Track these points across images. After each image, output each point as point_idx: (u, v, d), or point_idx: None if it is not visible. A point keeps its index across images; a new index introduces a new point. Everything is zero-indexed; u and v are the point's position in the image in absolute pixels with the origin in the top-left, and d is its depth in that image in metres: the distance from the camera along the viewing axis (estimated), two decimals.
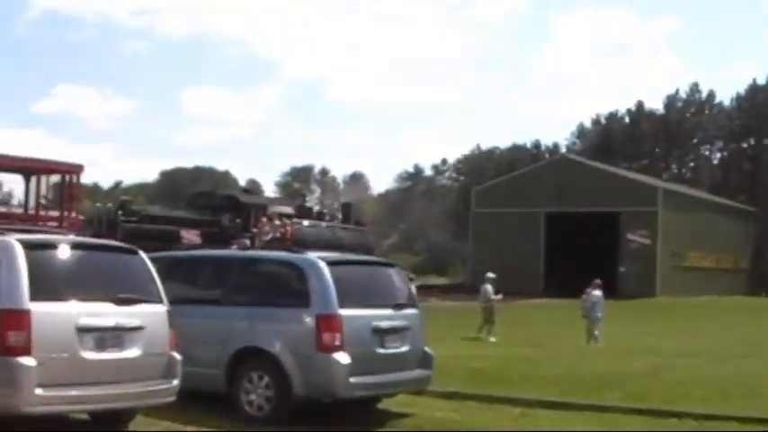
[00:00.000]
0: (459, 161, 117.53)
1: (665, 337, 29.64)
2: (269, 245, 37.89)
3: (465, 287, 58.41)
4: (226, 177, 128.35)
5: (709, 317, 42.39)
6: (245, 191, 43.83)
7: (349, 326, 11.98)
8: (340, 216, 52.07)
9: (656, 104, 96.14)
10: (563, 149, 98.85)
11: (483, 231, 64.50)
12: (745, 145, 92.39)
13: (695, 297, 56.34)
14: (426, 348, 13.46)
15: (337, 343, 11.83)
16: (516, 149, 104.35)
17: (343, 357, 11.81)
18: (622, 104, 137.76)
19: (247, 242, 38.08)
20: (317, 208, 54.78)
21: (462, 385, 16.20)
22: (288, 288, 12.57)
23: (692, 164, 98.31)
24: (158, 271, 11.59)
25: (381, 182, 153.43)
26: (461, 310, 40.81)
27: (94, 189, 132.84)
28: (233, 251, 16.27)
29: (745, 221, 75.23)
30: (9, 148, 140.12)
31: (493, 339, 26.65)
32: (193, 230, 39.32)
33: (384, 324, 12.48)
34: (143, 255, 11.22)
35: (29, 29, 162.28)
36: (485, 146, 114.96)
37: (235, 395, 12.31)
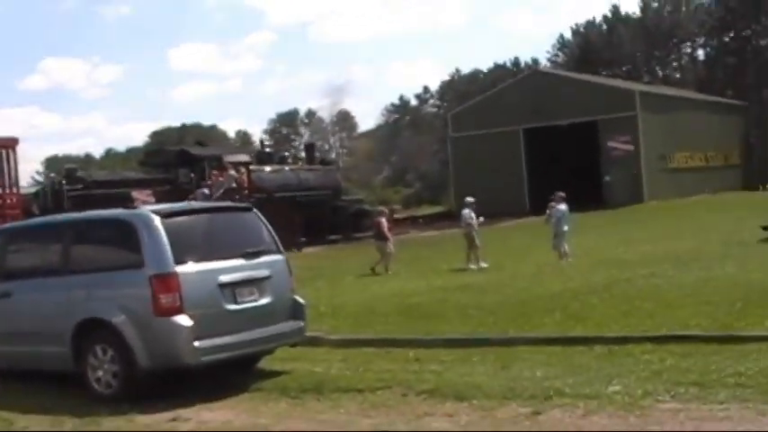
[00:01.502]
0: (441, 87, 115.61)
1: (641, 243, 28.55)
2: (225, 195, 36.88)
3: (450, 215, 57.07)
4: (213, 132, 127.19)
5: (696, 218, 40.89)
6: (198, 143, 42.47)
7: (189, 284, 10.63)
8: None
9: (632, 8, 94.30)
10: (545, 64, 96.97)
11: (462, 155, 62.84)
12: (726, 39, 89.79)
13: (686, 198, 54.89)
14: (297, 297, 12.13)
15: (176, 304, 10.49)
16: (498, 69, 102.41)
17: (183, 320, 10.48)
18: (599, 12, 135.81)
19: (206, 191, 37.10)
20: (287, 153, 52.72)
21: (388, 325, 15.37)
22: (121, 249, 11.16)
23: (674, 64, 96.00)
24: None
25: (369, 118, 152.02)
26: (438, 239, 39.79)
27: (87, 160, 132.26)
28: (66, 215, 14.79)
29: (734, 116, 73.27)
30: (4, 127, 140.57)
31: (484, 265, 25.14)
32: (145, 190, 38.09)
33: (233, 277, 11.12)
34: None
35: (5, 4, 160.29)
36: (467, 69, 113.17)
37: (82, 372, 11.05)
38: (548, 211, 27.09)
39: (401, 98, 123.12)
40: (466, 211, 27.07)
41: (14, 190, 33.76)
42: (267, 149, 47.10)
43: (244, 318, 11.11)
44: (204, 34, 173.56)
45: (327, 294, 21.64)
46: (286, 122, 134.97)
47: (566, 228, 26.28)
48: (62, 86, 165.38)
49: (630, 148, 57.68)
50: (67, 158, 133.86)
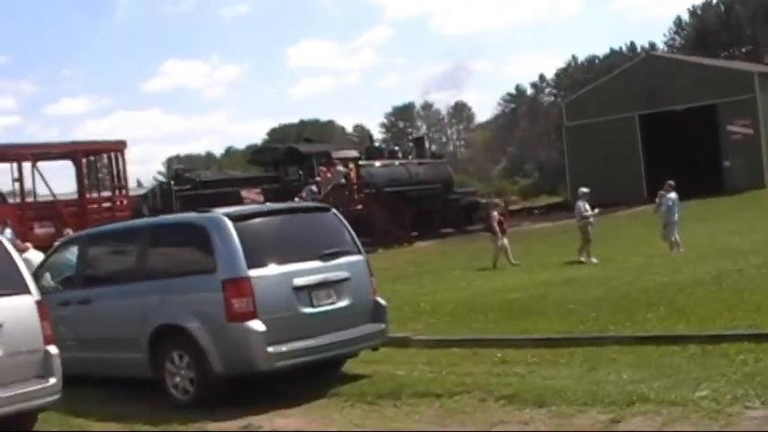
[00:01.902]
0: (557, 75, 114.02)
1: (757, 232, 27.24)
2: (333, 191, 36.88)
3: (566, 205, 56.11)
4: (330, 127, 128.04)
5: None
6: (307, 140, 42.48)
7: (262, 288, 10.37)
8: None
9: None
10: (662, 48, 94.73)
11: (577, 145, 61.70)
12: None
13: None
14: (378, 299, 11.75)
15: (249, 309, 10.25)
16: (613, 55, 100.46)
17: (257, 325, 10.22)
18: None
19: (314, 188, 37.10)
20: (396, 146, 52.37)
21: (487, 323, 15.05)
22: (195, 253, 10.97)
23: None
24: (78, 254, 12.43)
25: (487, 109, 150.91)
26: (551, 231, 39.08)
27: (208, 158, 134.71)
28: (141, 220, 14.69)
29: None
30: (129, 128, 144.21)
31: (594, 261, 24.32)
32: (254, 189, 38.26)
33: (309, 279, 10.81)
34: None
35: (127, 10, 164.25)
36: (583, 57, 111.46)
37: (161, 379, 10.92)
38: (657, 200, 26.20)
39: (517, 88, 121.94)
40: (580, 203, 26.28)
41: (124, 192, 34.27)
42: (376, 144, 46.85)
43: (320, 321, 10.82)
44: (322, 31, 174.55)
45: (430, 290, 21.48)
46: (402, 116, 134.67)
47: (676, 217, 25.35)
48: (183, 88, 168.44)
49: (750, 131, 55.75)
50: (188, 158, 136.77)
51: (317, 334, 10.75)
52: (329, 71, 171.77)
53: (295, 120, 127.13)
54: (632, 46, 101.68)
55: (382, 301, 11.72)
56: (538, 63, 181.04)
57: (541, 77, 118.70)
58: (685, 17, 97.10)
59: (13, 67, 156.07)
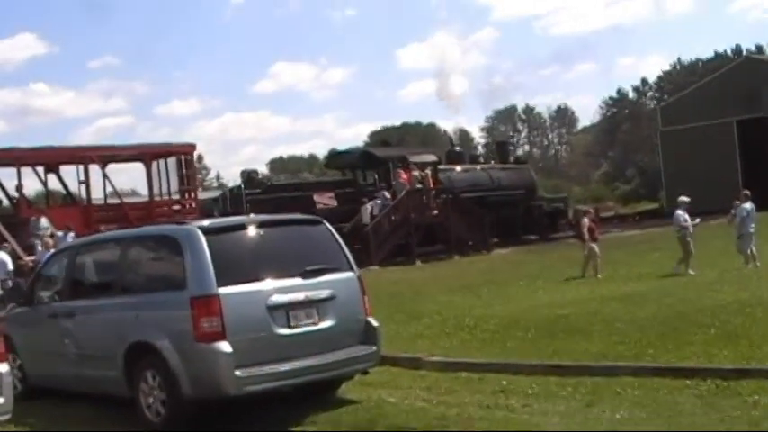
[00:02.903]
0: (660, 79, 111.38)
1: None
2: (408, 197, 36.10)
3: (661, 213, 54.53)
4: (431, 130, 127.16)
5: None
6: (384, 143, 41.70)
7: (233, 306, 9.64)
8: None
9: None
10: None
11: (673, 150, 59.87)
12: None
13: None
14: (370, 319, 10.90)
15: (217, 329, 9.51)
16: (717, 59, 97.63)
17: (224, 347, 9.48)
18: None
19: (387, 193, 36.39)
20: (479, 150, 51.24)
21: (523, 342, 14.30)
22: (168, 267, 10.31)
23: None
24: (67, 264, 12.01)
25: (591, 113, 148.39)
26: (639, 240, 37.71)
27: (311, 160, 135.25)
28: (121, 230, 13.97)
29: None
30: (237, 130, 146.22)
31: (692, 272, 23.04)
32: (327, 193, 37.67)
33: (287, 298, 10.03)
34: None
35: (235, 12, 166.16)
36: (688, 59, 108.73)
37: (136, 399, 10.27)
38: (732, 211, 24.74)
39: (619, 91, 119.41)
40: (679, 212, 24.84)
41: (193, 195, 34.01)
42: (457, 149, 45.90)
43: (299, 343, 10.06)
44: (429, 33, 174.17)
45: (485, 303, 20.64)
46: (504, 119, 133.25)
47: (751, 229, 24.00)
48: (292, 90, 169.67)
49: None
50: (292, 159, 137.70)
51: (294, 357, 9.98)
52: (437, 72, 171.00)
53: (396, 122, 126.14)
54: (737, 49, 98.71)
55: (374, 322, 10.87)
56: (644, 65, 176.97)
57: (644, 81, 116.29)
58: None
59: (127, 68, 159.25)
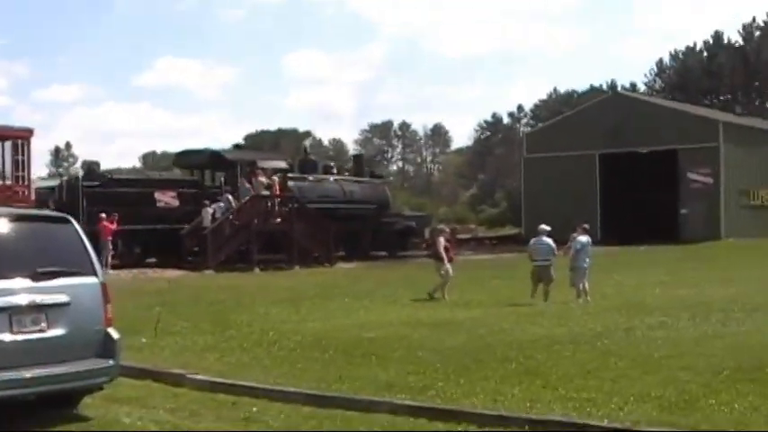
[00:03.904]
0: (536, 106, 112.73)
1: (684, 286, 26.25)
2: (251, 202, 35.19)
3: (520, 238, 54.57)
4: (306, 137, 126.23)
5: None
6: (237, 146, 40.77)
7: None
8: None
9: (734, 36, 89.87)
10: (642, 89, 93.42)
11: (535, 178, 60.32)
12: None
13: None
14: (110, 330, 9.84)
15: None
16: (593, 92, 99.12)
17: None
18: (701, 37, 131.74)
19: (231, 197, 35.41)
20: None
21: (314, 362, 13.52)
22: None
23: None
24: None
25: (463, 134, 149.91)
26: (489, 264, 37.43)
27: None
28: None
29: None
30: (116, 121, 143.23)
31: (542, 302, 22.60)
32: (169, 192, 36.46)
33: (9, 301, 8.95)
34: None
35: (127, 2, 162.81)
36: (562, 90, 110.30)
37: None
38: (569, 243, 24.33)
39: (494, 116, 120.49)
40: (535, 242, 24.18)
41: (26, 183, 32.42)
42: (312, 157, 45.09)
43: (22, 351, 8.97)
44: (318, 43, 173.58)
45: (300, 318, 19.99)
46: (379, 134, 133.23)
47: (585, 263, 23.58)
48: (176, 85, 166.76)
49: (710, 180, 54.36)
50: (165, 155, 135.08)
51: (16, 366, 8.88)
52: (321, 83, 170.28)
53: (274, 127, 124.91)
54: (613, 84, 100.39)
55: (115, 334, 9.80)
56: (525, 92, 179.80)
57: (519, 107, 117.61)
58: (667, 60, 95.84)
59: (9, 49, 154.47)
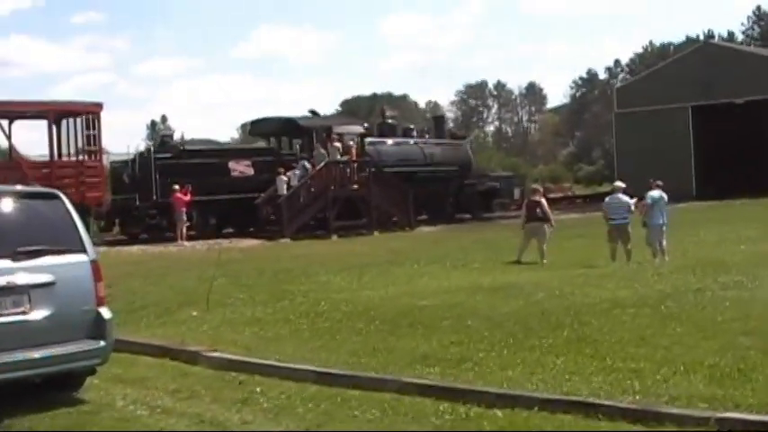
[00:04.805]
0: (631, 61, 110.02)
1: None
2: (327, 168, 34.69)
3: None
4: (402, 102, 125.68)
5: None
6: (312, 113, 40.10)
7: None
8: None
9: None
10: (740, 38, 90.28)
11: (627, 133, 58.56)
12: None
13: None
14: (102, 310, 9.34)
15: None
16: (689, 43, 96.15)
17: None
18: None
19: (307, 164, 34.96)
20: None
21: (358, 335, 13.01)
22: None
23: None
24: None
25: (559, 93, 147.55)
26: (573, 224, 36.27)
27: None
28: None
29: None
30: (217, 92, 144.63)
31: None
32: (243, 161, 36.11)
33: None
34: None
35: None
36: (657, 42, 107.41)
37: None
38: (644, 200, 23.14)
39: (589, 72, 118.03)
40: (610, 200, 23.31)
41: (96, 156, 32.43)
42: (390, 120, 44.31)
43: (2, 335, 8.52)
44: (415, 5, 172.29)
45: (360, 286, 19.52)
46: (474, 94, 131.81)
47: (661, 220, 22.44)
48: (274, 53, 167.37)
49: None
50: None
51: None
52: (419, 46, 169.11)
53: (373, 92, 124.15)
54: (710, 33, 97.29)
55: (106, 314, 9.31)
56: (618, 46, 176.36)
57: (616, 62, 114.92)
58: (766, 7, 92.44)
59: (109, 24, 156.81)
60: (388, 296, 17.29)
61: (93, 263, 9.35)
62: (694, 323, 12.53)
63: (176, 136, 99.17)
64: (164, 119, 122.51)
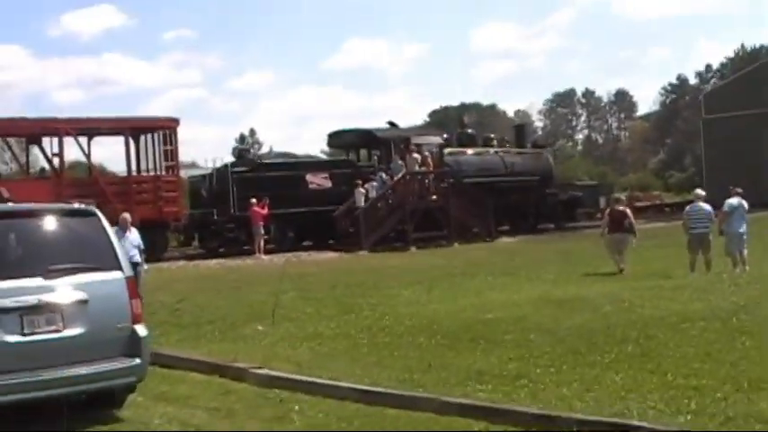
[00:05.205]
0: (722, 65, 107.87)
1: None
2: (404, 180, 34.53)
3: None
4: (490, 111, 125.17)
5: None
6: (391, 124, 39.87)
7: None
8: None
9: None
10: None
11: (716, 139, 57.38)
12: None
13: None
14: (137, 327, 9.27)
15: None
16: None
17: None
18: None
19: (385, 175, 34.82)
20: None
21: (413, 350, 12.81)
22: None
23: None
24: None
25: (649, 99, 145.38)
26: (653, 234, 35.46)
27: None
28: None
29: None
30: (308, 105, 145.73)
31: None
32: (321, 173, 36.08)
33: (19, 301, 8.50)
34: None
35: None
36: (749, 46, 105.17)
37: None
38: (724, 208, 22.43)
39: (679, 77, 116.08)
40: (691, 208, 22.48)
41: (175, 172, 32.72)
42: (470, 130, 43.96)
43: (36, 353, 8.51)
44: (506, 13, 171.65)
45: (429, 299, 19.32)
46: (563, 102, 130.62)
47: (741, 228, 21.71)
48: (365, 65, 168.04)
49: None
50: None
51: (29, 368, 8.42)
52: (511, 54, 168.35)
53: (462, 102, 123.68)
54: None
55: (141, 331, 9.22)
56: (709, 51, 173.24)
57: (707, 67, 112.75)
58: None
59: (201, 42, 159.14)
60: (455, 309, 17.02)
61: (129, 280, 9.27)
62: (765, 338, 12.02)
63: (264, 149, 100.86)
64: (252, 132, 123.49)
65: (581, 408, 8.90)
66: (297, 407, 9.41)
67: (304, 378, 10.49)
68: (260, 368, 11.18)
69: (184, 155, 34.40)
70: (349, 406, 9.34)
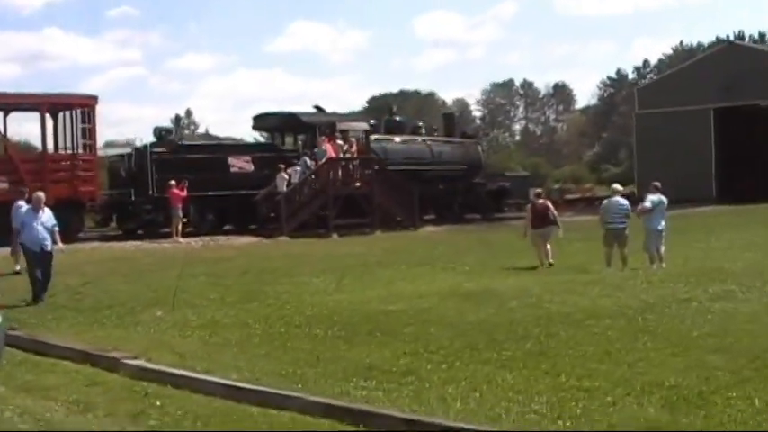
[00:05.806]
0: (660, 61, 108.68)
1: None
2: (328, 166, 34.07)
3: (630, 198, 52.08)
4: (429, 99, 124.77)
5: None
6: (317, 108, 39.30)
7: None
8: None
9: None
10: None
11: (647, 135, 57.55)
12: None
13: None
14: None
15: None
16: (719, 44, 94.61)
17: None
18: None
19: (309, 160, 34.31)
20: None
21: (304, 342, 12.33)
22: None
23: None
24: None
25: (587, 93, 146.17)
26: (577, 227, 35.35)
27: None
28: None
29: None
30: (249, 88, 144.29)
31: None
32: (243, 157, 35.48)
33: None
34: None
35: None
36: (687, 43, 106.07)
37: None
38: (641, 204, 22.19)
39: (618, 72, 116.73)
40: (608, 203, 22.43)
41: (92, 151, 31.91)
42: (398, 118, 43.53)
43: None
44: (448, 4, 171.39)
45: (337, 288, 18.86)
46: (501, 93, 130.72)
47: (659, 225, 21.47)
48: (307, 50, 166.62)
49: None
50: None
51: None
52: (452, 44, 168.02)
53: (406, 89, 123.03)
54: (740, 35, 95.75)
55: None
56: (648, 48, 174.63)
57: (645, 63, 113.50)
58: None
59: (142, 19, 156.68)
60: (360, 300, 16.71)
61: None
62: (667, 338, 11.79)
63: (200, 131, 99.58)
64: (188, 113, 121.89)
65: (460, 409, 8.53)
66: (159, 402, 8.88)
67: (175, 371, 9.96)
68: (134, 358, 10.63)
69: (119, 135, 33.41)
70: (214, 402, 8.84)
